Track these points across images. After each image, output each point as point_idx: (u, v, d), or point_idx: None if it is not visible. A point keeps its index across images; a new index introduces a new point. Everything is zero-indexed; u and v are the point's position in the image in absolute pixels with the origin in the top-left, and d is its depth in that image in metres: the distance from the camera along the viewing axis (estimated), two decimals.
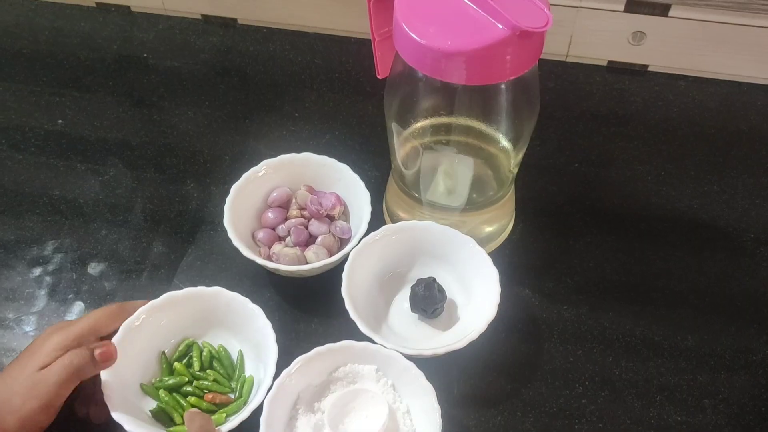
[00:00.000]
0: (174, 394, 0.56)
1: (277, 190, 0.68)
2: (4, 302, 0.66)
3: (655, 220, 0.70)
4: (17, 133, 0.80)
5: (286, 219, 0.67)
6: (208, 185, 0.74)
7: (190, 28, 0.91)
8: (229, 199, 0.65)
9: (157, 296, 0.58)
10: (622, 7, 0.78)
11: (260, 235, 0.66)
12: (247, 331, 0.58)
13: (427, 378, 0.54)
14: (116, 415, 0.52)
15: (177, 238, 0.70)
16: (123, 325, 0.56)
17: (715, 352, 0.61)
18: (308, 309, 0.65)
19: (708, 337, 0.62)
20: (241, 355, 0.59)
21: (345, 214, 0.68)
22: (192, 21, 0.92)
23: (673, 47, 0.81)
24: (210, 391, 0.56)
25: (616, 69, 0.84)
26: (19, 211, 0.72)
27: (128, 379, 0.56)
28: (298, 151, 0.69)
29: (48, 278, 0.67)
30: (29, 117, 0.81)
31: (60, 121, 0.81)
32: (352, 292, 0.59)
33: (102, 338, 0.56)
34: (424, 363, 0.55)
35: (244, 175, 0.67)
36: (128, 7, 0.93)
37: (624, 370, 0.60)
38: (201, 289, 0.59)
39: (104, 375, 0.54)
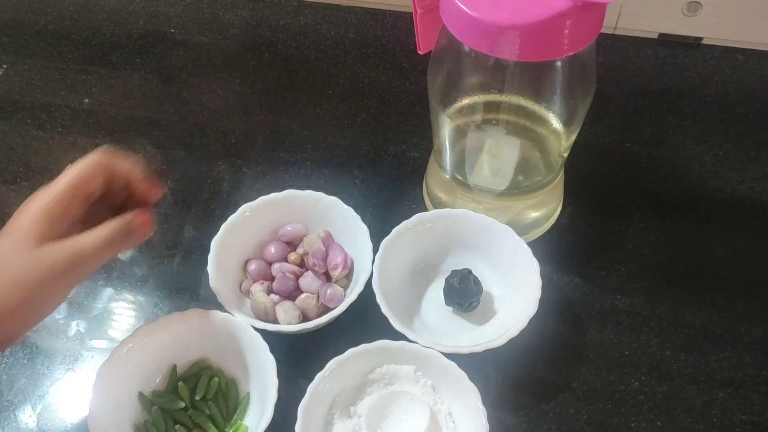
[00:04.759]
0: (165, 415, 0.53)
1: (292, 225, 0.62)
2: None
3: (714, 204, 0.66)
4: (43, 113, 0.77)
5: (286, 259, 0.61)
6: (240, 166, 0.72)
7: (219, 1, 0.88)
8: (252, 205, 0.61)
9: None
10: None
11: (252, 266, 0.60)
12: (255, 371, 0.54)
13: (465, 374, 0.51)
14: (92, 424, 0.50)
15: (209, 222, 0.67)
16: (137, 329, 0.53)
17: None
18: None
19: None
20: (246, 398, 0.54)
21: (347, 278, 0.60)
22: None
23: (730, 18, 0.76)
24: (201, 428, 0.53)
25: (668, 42, 0.80)
26: None
27: (127, 383, 0.53)
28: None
29: None
30: (55, 96, 0.79)
31: (86, 100, 0.78)
32: (383, 284, 0.56)
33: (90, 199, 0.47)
34: (461, 359, 0.52)
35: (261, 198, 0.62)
36: None
37: (683, 364, 0.57)
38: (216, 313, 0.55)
39: (100, 374, 0.51)
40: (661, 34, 0.80)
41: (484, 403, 0.50)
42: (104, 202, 0.48)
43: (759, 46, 0.78)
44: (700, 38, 0.79)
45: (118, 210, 0.49)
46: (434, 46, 0.56)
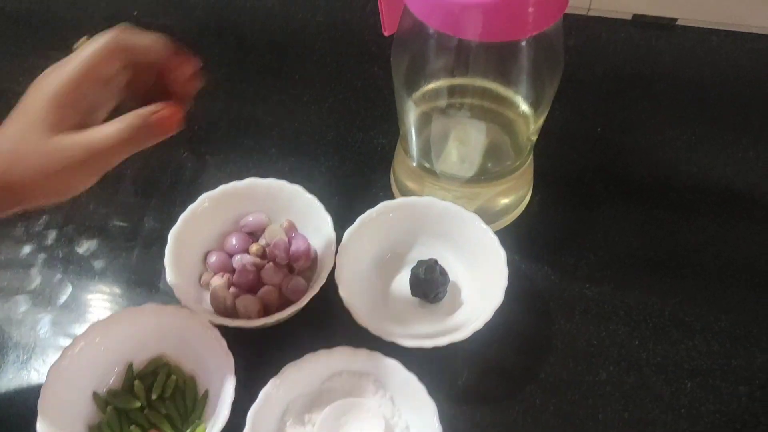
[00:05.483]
0: (121, 415, 0.51)
1: (254, 215, 0.60)
2: None
3: (686, 190, 0.65)
4: (0, 100, 0.75)
5: (248, 251, 0.59)
6: (203, 154, 0.69)
7: None
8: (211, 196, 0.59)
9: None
10: None
11: (213, 258, 0.58)
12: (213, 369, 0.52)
13: (431, 367, 0.50)
14: (42, 427, 0.47)
15: (170, 213, 0.65)
16: (90, 326, 0.52)
17: (752, 334, 0.56)
18: None
19: (744, 318, 0.57)
20: (204, 397, 0.52)
21: (311, 269, 0.58)
22: None
23: None
24: (157, 428, 0.51)
25: (642, 23, 0.78)
26: None
27: (80, 383, 0.51)
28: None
29: (32, 258, 0.63)
30: (12, 82, 0.76)
31: None
32: (346, 276, 0.54)
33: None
34: (426, 351, 0.51)
35: (222, 187, 0.60)
36: None
37: (652, 353, 0.56)
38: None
39: (50, 374, 0.49)
40: (635, 15, 0.78)
41: (449, 396, 0.49)
42: (134, 90, 0.44)
43: (734, 28, 0.77)
44: (675, 19, 0.77)
45: (150, 100, 0.44)
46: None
